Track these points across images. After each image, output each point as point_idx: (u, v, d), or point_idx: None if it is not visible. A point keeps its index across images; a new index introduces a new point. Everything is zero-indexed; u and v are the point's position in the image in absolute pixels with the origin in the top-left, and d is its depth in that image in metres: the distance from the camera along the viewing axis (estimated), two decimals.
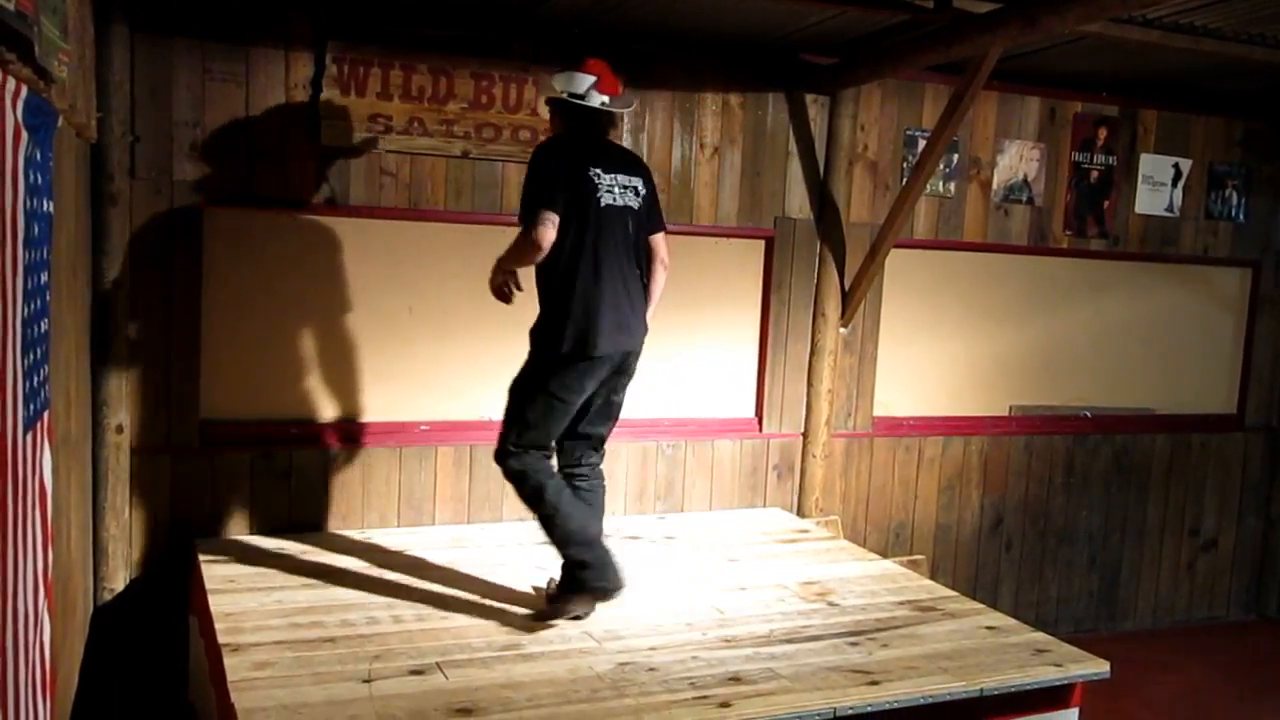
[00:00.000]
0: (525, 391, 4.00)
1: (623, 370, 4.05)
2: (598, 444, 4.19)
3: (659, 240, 4.16)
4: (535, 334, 4.02)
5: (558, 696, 3.34)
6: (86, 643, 4.25)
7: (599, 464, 4.21)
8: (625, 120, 5.18)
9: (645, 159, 4.68)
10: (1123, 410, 6.61)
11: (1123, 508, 6.60)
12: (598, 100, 3.93)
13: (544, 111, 4.53)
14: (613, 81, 3.98)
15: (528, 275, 4.07)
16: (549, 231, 3.77)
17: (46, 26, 2.57)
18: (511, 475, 4.01)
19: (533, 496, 3.98)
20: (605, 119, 4.04)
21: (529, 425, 3.95)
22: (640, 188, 4.06)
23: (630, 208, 4.00)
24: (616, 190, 3.96)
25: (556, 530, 3.96)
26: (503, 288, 4.05)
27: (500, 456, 4.01)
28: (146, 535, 4.64)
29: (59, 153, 3.00)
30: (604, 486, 4.24)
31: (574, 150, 3.96)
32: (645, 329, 4.09)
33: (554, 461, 4.10)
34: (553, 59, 5.04)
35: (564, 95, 3.96)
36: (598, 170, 3.92)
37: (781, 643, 3.88)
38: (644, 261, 4.12)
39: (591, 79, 3.93)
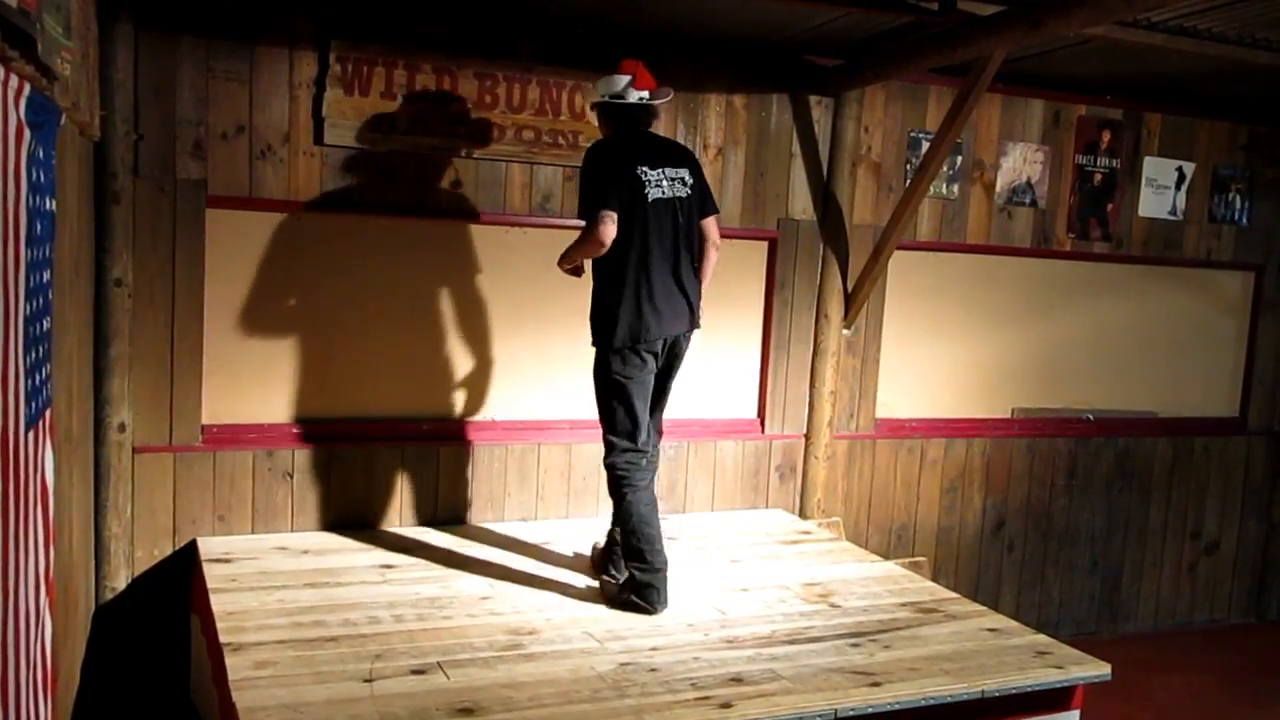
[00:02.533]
0: (602, 386, 4.29)
1: (674, 353, 4.34)
2: (657, 425, 4.43)
3: (710, 223, 4.39)
4: (595, 327, 4.28)
5: (559, 696, 3.34)
6: (88, 642, 4.25)
7: (656, 449, 4.42)
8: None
9: None
10: (1125, 413, 6.60)
11: (1124, 510, 6.60)
12: (635, 96, 4.21)
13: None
14: (647, 77, 4.24)
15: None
16: (611, 229, 4.04)
17: (50, 24, 2.57)
18: (611, 473, 4.26)
19: (621, 504, 4.24)
20: (645, 113, 4.28)
21: (616, 415, 4.24)
22: (688, 177, 4.30)
23: (680, 198, 4.24)
24: (665, 183, 4.21)
25: (628, 542, 4.19)
26: (575, 270, 4.35)
27: (605, 455, 4.28)
28: (148, 534, 4.64)
29: (62, 151, 3.00)
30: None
31: (621, 150, 4.22)
32: (697, 313, 4.35)
33: (650, 474, 4.31)
34: (557, 59, 5.05)
35: (605, 98, 4.25)
36: (644, 167, 4.17)
37: (783, 644, 3.88)
38: (696, 245, 4.36)
39: (627, 78, 4.21)
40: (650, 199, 4.15)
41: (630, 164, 4.16)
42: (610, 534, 4.47)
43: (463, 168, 4.99)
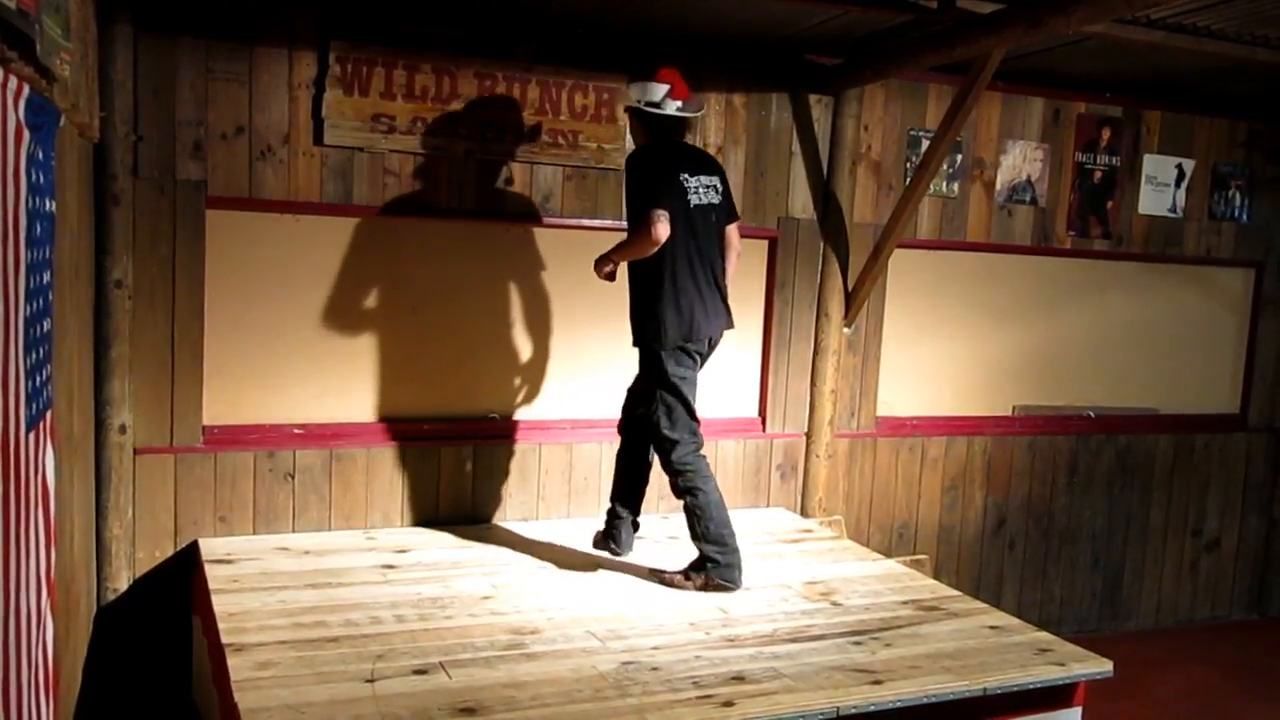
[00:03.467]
0: (661, 387, 4.42)
1: (711, 352, 4.55)
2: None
3: (734, 229, 4.62)
4: (643, 329, 4.41)
5: (561, 696, 3.34)
6: (89, 643, 4.25)
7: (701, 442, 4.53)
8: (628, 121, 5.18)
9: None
10: (1126, 411, 6.60)
11: (1126, 508, 6.60)
12: (673, 107, 4.36)
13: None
14: (683, 87, 4.38)
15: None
16: (665, 227, 4.18)
17: (49, 25, 2.57)
18: (674, 468, 4.42)
19: (697, 497, 4.39)
20: (681, 125, 4.46)
21: (675, 413, 4.41)
22: (718, 185, 4.51)
23: (713, 204, 4.45)
24: (702, 190, 4.40)
25: (699, 526, 4.39)
26: (610, 274, 4.49)
27: (663, 455, 4.46)
28: (149, 535, 4.64)
29: (61, 152, 3.00)
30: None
31: (666, 156, 4.39)
32: (730, 312, 4.55)
33: (707, 462, 4.49)
34: (556, 59, 5.05)
35: (640, 104, 4.37)
36: (685, 174, 4.36)
37: (785, 642, 3.88)
38: (721, 250, 4.56)
39: (666, 87, 4.34)
40: (692, 204, 4.35)
41: (674, 169, 4.34)
42: (610, 511, 4.74)
43: (462, 168, 4.99)
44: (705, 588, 4.38)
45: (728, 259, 4.60)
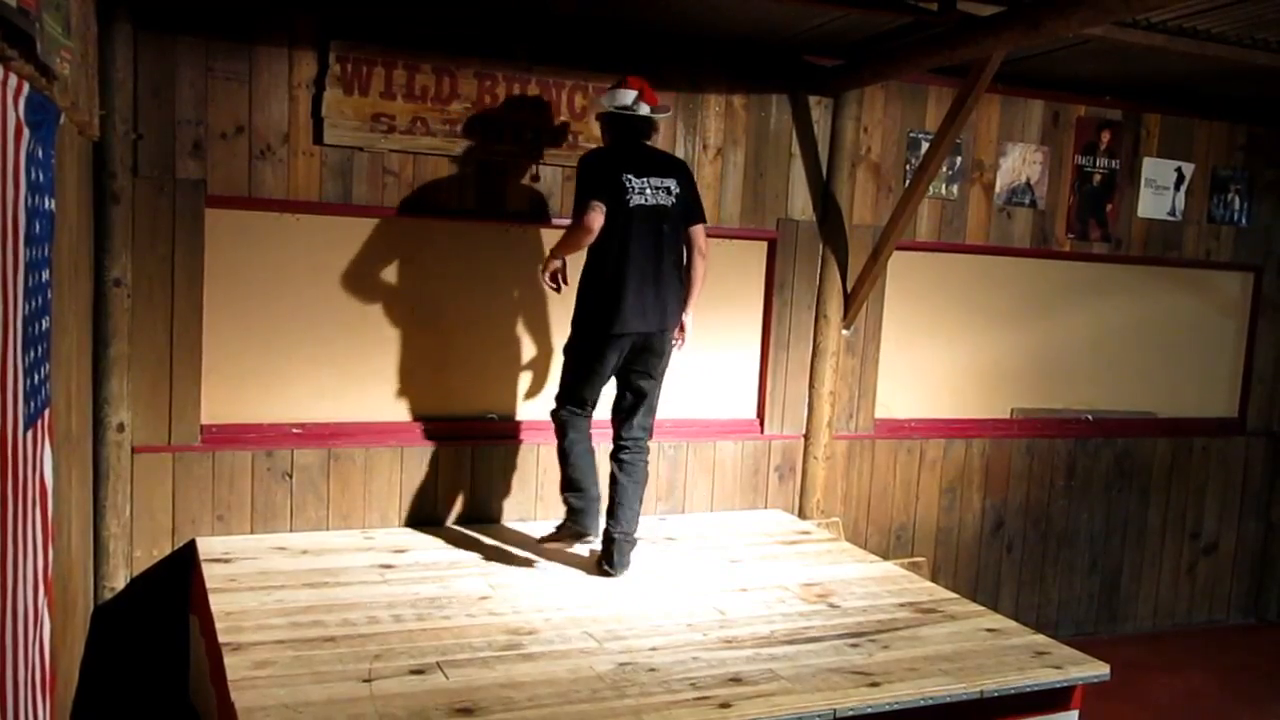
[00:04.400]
0: (565, 358, 4.74)
1: (647, 349, 4.58)
2: (631, 417, 4.67)
3: (697, 231, 4.68)
4: (574, 312, 4.67)
5: (558, 696, 3.34)
6: (87, 642, 4.25)
7: (640, 442, 4.69)
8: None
9: None
10: (1124, 414, 6.61)
11: (1123, 511, 6.60)
12: (644, 109, 4.56)
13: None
14: (651, 94, 4.60)
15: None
16: (598, 217, 4.40)
17: (49, 23, 2.57)
18: (554, 423, 4.73)
19: (560, 444, 4.71)
20: (645, 125, 4.61)
21: (567, 385, 4.70)
22: (675, 187, 4.59)
23: (663, 206, 4.54)
24: (648, 191, 4.51)
25: (563, 475, 4.70)
26: (555, 275, 4.67)
27: (553, 409, 4.75)
28: (147, 534, 4.64)
29: (61, 150, 3.00)
30: (644, 471, 4.71)
31: (611, 157, 4.56)
32: (674, 315, 4.63)
33: (587, 423, 4.73)
34: (556, 59, 5.05)
35: (613, 110, 4.55)
36: (629, 175, 4.49)
37: (782, 644, 3.88)
38: (680, 254, 4.65)
39: (635, 93, 4.55)
40: (631, 204, 4.46)
41: (616, 170, 4.49)
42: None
43: (463, 167, 4.99)
44: (559, 537, 4.72)
45: (692, 262, 4.67)
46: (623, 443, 4.67)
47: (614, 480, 4.63)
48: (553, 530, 4.82)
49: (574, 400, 4.67)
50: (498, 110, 4.98)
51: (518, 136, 5.04)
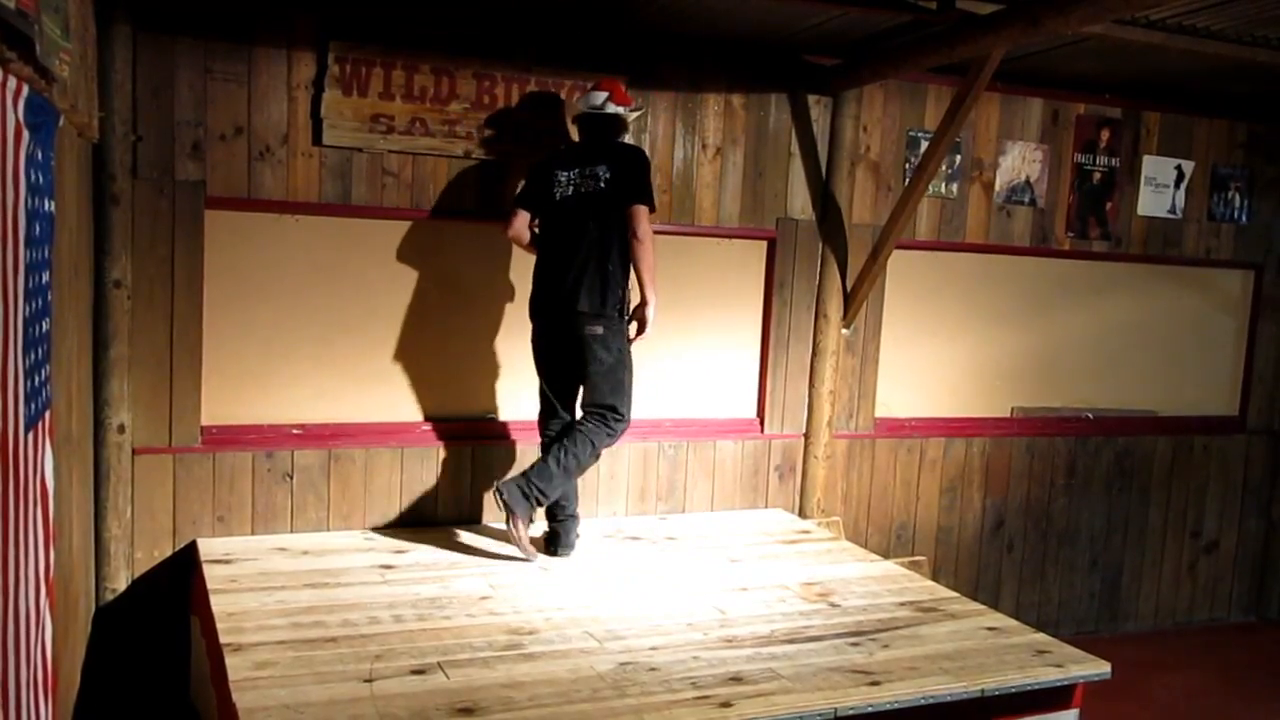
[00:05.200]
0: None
1: (566, 336, 4.65)
2: (581, 398, 4.76)
3: (630, 215, 4.58)
4: None
5: (559, 696, 3.34)
6: (88, 643, 4.25)
7: (600, 415, 4.67)
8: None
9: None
10: (1124, 412, 6.61)
11: (1124, 509, 6.60)
12: (612, 109, 4.69)
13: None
14: (623, 95, 4.74)
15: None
16: (513, 221, 4.81)
17: (48, 25, 2.57)
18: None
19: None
20: (602, 122, 4.72)
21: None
22: (603, 173, 4.62)
23: (588, 194, 4.62)
24: (577, 180, 4.64)
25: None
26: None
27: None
28: (148, 535, 4.64)
29: (60, 152, 3.00)
30: (588, 440, 4.62)
31: (550, 157, 4.78)
32: (588, 301, 4.56)
33: (552, 419, 4.85)
34: (555, 60, 5.06)
35: (585, 110, 4.71)
36: (558, 170, 4.68)
37: (783, 643, 3.88)
38: (615, 239, 4.60)
39: (605, 94, 4.69)
40: (557, 198, 4.66)
41: (548, 169, 4.71)
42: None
43: (461, 168, 4.99)
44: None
45: (631, 247, 4.56)
46: (571, 423, 4.76)
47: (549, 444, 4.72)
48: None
49: (541, 392, 4.86)
50: (497, 110, 4.98)
51: (517, 136, 5.03)
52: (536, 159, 4.87)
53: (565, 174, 4.64)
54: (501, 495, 4.51)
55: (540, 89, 5.05)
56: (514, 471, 5.03)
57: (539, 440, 4.88)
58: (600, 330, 4.59)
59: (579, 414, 4.77)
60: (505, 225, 4.80)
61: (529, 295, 4.78)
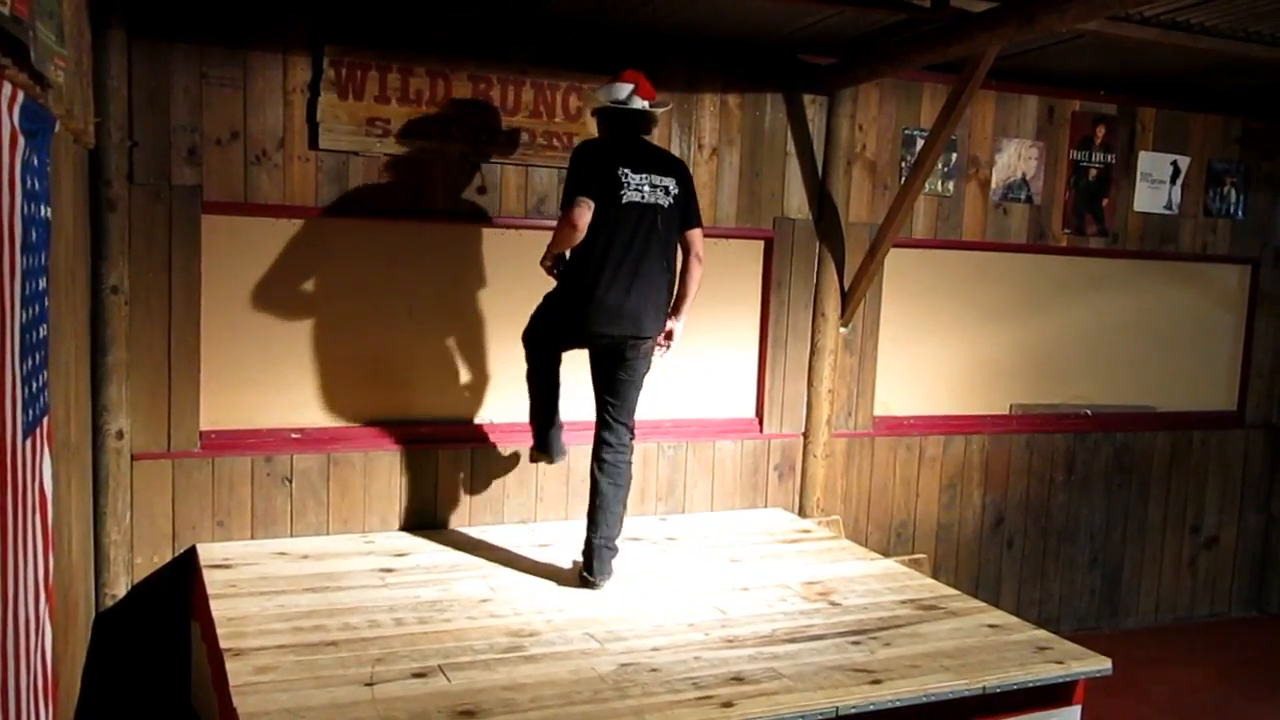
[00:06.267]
0: (536, 314, 4.72)
1: (620, 354, 4.42)
2: (613, 416, 4.51)
3: (694, 235, 4.54)
4: (557, 287, 4.56)
5: (560, 697, 3.34)
6: (89, 649, 4.25)
7: (623, 443, 4.51)
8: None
9: None
10: (1123, 408, 6.61)
11: (1124, 505, 6.60)
12: (639, 104, 4.39)
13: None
14: (648, 87, 4.44)
15: None
16: (585, 213, 4.24)
17: (43, 31, 2.57)
18: (526, 354, 4.79)
19: (527, 376, 4.79)
20: (641, 120, 4.44)
21: (532, 335, 4.74)
22: (672, 187, 4.42)
23: (659, 205, 4.38)
24: (646, 189, 4.35)
25: (529, 405, 4.80)
26: (552, 270, 4.53)
27: (523, 332, 4.78)
28: (148, 541, 4.64)
29: (56, 158, 3.00)
30: (626, 474, 4.52)
31: (607, 150, 4.41)
32: (652, 321, 4.42)
33: (549, 364, 4.75)
34: (551, 61, 5.05)
35: (608, 104, 4.40)
36: (626, 170, 4.32)
37: (784, 642, 3.88)
38: (673, 257, 4.49)
39: (630, 86, 4.39)
40: (624, 200, 4.31)
41: (612, 163, 4.32)
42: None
43: (458, 170, 4.99)
44: (535, 458, 4.91)
45: (688, 267, 4.53)
46: (604, 442, 4.50)
47: (594, 485, 4.47)
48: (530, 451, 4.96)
49: (540, 345, 4.70)
50: (495, 112, 4.99)
51: (511, 139, 5.03)
52: (588, 146, 4.50)
53: (635, 176, 4.33)
54: (598, 579, 4.36)
55: (536, 91, 5.04)
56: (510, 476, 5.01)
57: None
58: (649, 347, 4.50)
59: (607, 433, 4.51)
60: (574, 220, 4.24)
61: (569, 296, 4.43)
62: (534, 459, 4.97)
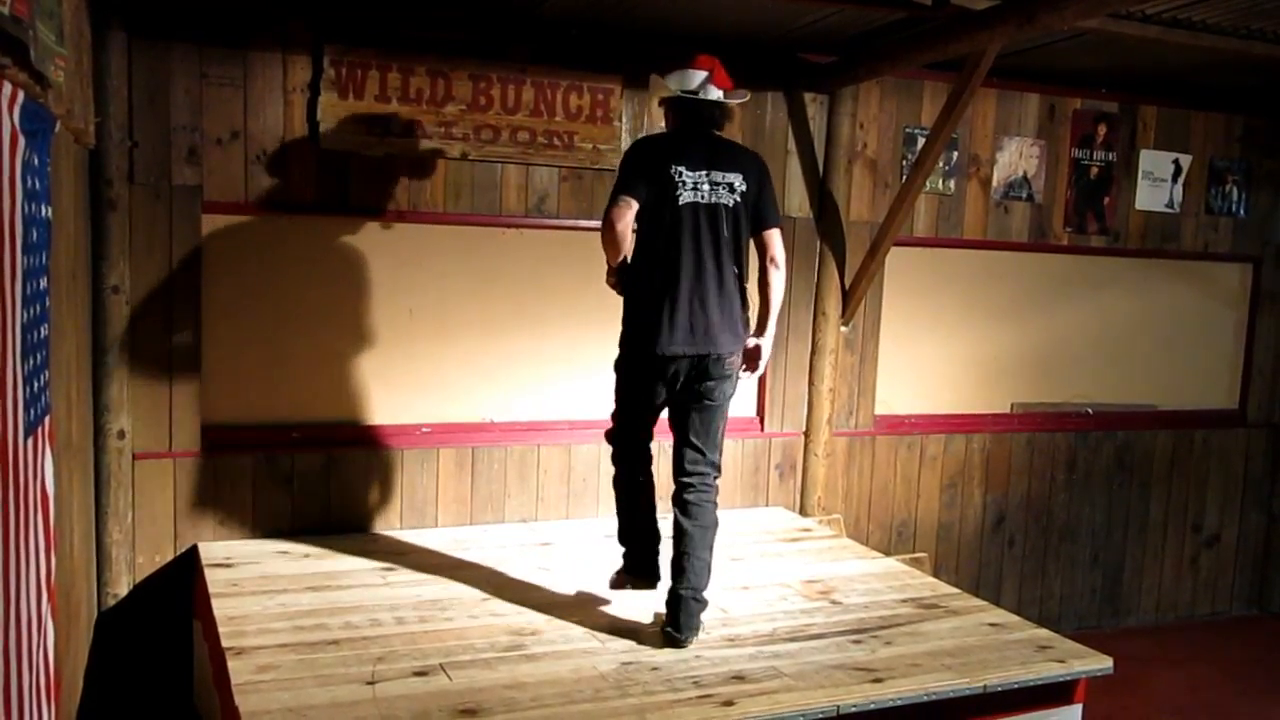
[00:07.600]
0: (616, 376, 4.15)
1: (700, 375, 3.92)
2: (690, 452, 3.97)
3: (770, 237, 4.03)
4: (622, 323, 4.07)
5: (561, 696, 3.34)
6: (90, 648, 4.25)
7: (704, 479, 3.97)
8: (623, 121, 5.19)
9: None
10: (1124, 407, 6.61)
11: (1125, 504, 6.60)
12: (714, 94, 3.91)
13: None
14: (724, 76, 3.95)
15: None
16: (623, 212, 3.82)
17: (43, 31, 2.57)
18: (612, 454, 4.26)
19: (614, 481, 4.29)
20: (711, 112, 3.95)
21: (617, 405, 4.18)
22: (739, 184, 3.93)
23: (722, 205, 3.90)
24: (706, 187, 3.88)
25: (618, 518, 4.31)
26: (616, 285, 4.08)
27: (608, 429, 4.27)
28: (149, 540, 4.64)
29: (57, 158, 3.00)
30: (712, 515, 3.97)
31: (661, 146, 3.99)
32: (729, 336, 3.94)
33: (641, 456, 4.21)
34: (551, 60, 5.05)
35: (679, 93, 3.92)
36: (681, 168, 3.86)
37: (785, 641, 3.88)
38: (744, 260, 4.00)
39: (704, 74, 3.91)
40: (681, 201, 3.85)
41: (665, 161, 3.87)
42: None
43: (458, 170, 4.99)
44: (620, 583, 4.27)
45: (765, 273, 4.03)
46: (684, 482, 3.95)
47: (677, 528, 3.92)
48: (614, 575, 4.33)
49: (621, 425, 4.15)
50: (493, 112, 4.98)
51: (513, 138, 5.03)
52: (640, 143, 4.11)
53: (691, 175, 3.85)
54: (684, 637, 3.82)
55: (536, 90, 5.04)
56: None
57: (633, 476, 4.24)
58: (731, 364, 3.98)
59: (690, 466, 3.96)
60: (611, 219, 3.84)
61: (635, 319, 3.96)
62: (617, 584, 4.29)
